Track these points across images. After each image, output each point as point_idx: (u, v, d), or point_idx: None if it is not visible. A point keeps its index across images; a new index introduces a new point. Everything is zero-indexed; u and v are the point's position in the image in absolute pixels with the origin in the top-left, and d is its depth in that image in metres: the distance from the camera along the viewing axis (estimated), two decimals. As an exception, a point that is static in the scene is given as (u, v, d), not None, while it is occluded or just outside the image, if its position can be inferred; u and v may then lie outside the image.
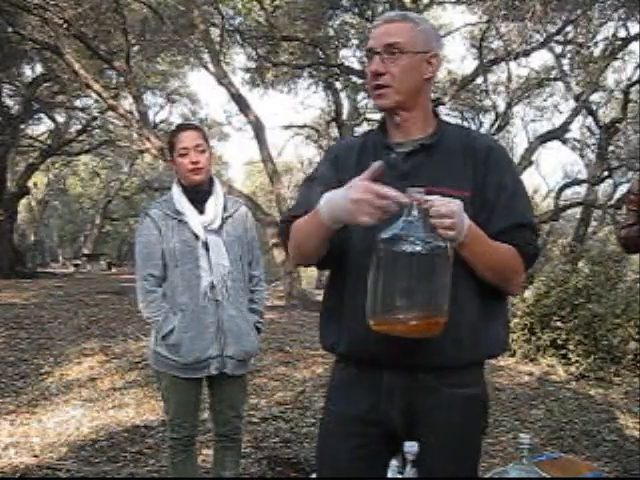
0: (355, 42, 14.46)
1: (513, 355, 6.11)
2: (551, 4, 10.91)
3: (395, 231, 1.27)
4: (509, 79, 15.05)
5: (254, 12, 13.19)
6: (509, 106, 16.24)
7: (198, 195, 2.54)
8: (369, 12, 13.26)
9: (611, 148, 15.04)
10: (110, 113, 14.30)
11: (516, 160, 13.07)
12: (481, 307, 1.47)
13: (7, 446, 3.64)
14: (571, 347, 5.82)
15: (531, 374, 5.65)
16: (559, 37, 13.29)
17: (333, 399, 1.60)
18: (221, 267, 2.49)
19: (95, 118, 17.76)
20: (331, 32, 14.26)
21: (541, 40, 12.90)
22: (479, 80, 14.77)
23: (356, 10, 13.60)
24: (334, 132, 19.02)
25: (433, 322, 1.29)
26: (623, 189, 15.94)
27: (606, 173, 15.30)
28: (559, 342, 5.96)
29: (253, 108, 11.60)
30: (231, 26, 13.55)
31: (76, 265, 24.62)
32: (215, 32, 12.56)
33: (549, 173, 70.90)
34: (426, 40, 1.48)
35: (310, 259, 1.57)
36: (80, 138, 19.42)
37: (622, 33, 13.04)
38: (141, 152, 16.82)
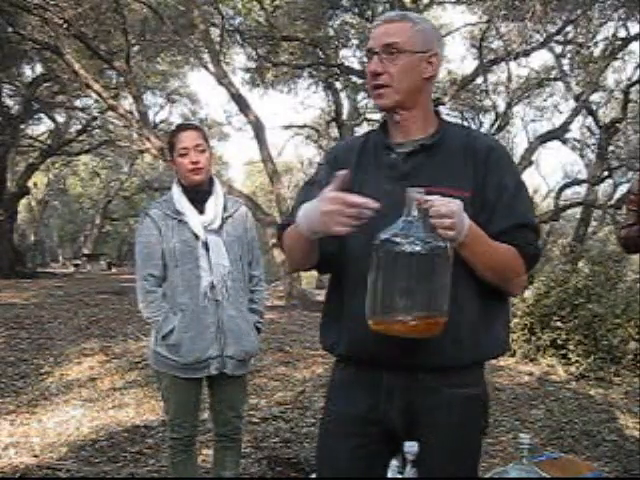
0: (355, 42, 14.47)
1: (513, 355, 6.11)
2: (551, 4, 10.91)
3: (395, 231, 1.27)
4: (509, 79, 15.06)
5: (254, 12, 13.19)
6: (509, 106, 16.24)
7: (198, 195, 2.54)
8: (369, 12, 13.26)
9: (611, 148, 15.04)
10: (110, 113, 14.31)
11: (516, 160, 13.06)
12: (482, 307, 1.47)
13: (7, 446, 3.64)
14: (571, 347, 5.82)
15: (531, 374, 5.65)
16: (559, 37, 13.30)
17: (333, 399, 1.61)
18: (221, 267, 2.49)
19: (95, 118, 17.77)
20: (331, 32, 14.26)
21: (541, 40, 12.90)
22: (479, 80, 14.78)
23: (356, 10, 13.61)
24: (334, 132, 19.02)
25: (433, 322, 1.29)
26: (623, 189, 15.95)
27: (606, 173, 15.31)
28: (559, 342, 5.95)
29: (253, 108, 11.62)
30: (231, 26, 13.55)
31: (76, 265, 24.63)
32: (215, 32, 12.56)
33: (549, 173, 70.91)
34: (425, 40, 1.48)
35: (301, 265, 1.59)
36: (80, 138, 19.42)
37: (622, 33, 13.07)
38: (141, 152, 16.83)
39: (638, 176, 2.54)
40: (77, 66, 11.41)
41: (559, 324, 5.99)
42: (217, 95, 55.72)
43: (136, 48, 13.73)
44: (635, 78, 14.27)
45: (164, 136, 11.70)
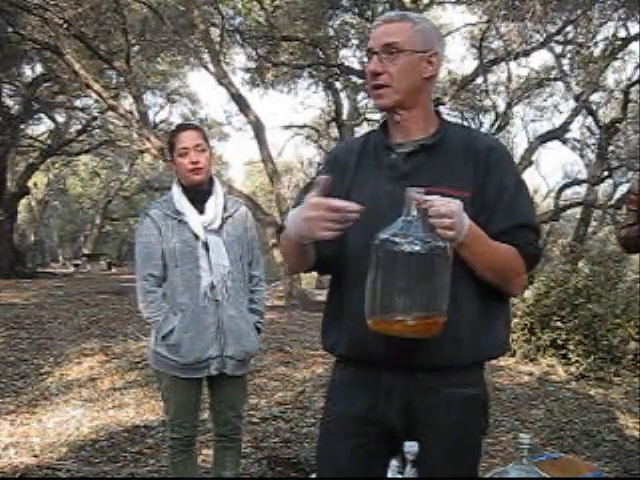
0: (355, 42, 14.47)
1: (513, 355, 6.11)
2: (551, 4, 10.92)
3: (394, 231, 1.27)
4: (509, 79, 15.06)
5: (254, 12, 13.20)
6: (509, 106, 16.24)
7: (198, 195, 2.53)
8: (369, 12, 13.27)
9: (611, 148, 15.04)
10: (110, 113, 14.32)
11: (516, 160, 13.06)
12: (482, 307, 1.47)
13: (7, 446, 3.64)
14: (571, 347, 5.82)
15: (531, 374, 5.65)
16: (559, 37, 13.31)
17: (333, 399, 1.61)
18: (221, 267, 2.49)
19: (95, 118, 17.78)
20: (331, 32, 14.26)
21: (541, 40, 12.91)
22: (479, 80, 14.79)
23: (356, 10, 13.61)
24: (334, 132, 19.03)
25: (432, 322, 1.29)
26: (623, 189, 15.96)
27: (606, 173, 15.31)
28: (559, 342, 5.95)
29: (253, 108, 11.63)
30: (231, 26, 13.56)
31: (76, 265, 24.64)
32: (215, 32, 12.57)
33: (549, 173, 70.94)
34: (425, 39, 1.48)
35: (297, 268, 1.62)
36: (80, 138, 19.43)
37: (622, 33, 13.08)
38: (141, 152, 16.83)
39: (638, 176, 2.54)
40: (77, 66, 11.41)
41: (559, 324, 5.99)
42: (217, 95, 55.77)
43: (136, 48, 13.74)
44: (635, 78, 14.28)
45: (164, 136, 11.70)
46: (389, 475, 1.36)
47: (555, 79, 15.53)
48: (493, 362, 5.45)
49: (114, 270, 23.35)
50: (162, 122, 20.69)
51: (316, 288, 14.59)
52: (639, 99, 14.55)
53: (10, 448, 3.60)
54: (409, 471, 1.30)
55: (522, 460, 1.45)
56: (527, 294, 6.43)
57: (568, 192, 18.52)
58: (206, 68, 12.32)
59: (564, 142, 16.09)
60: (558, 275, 6.72)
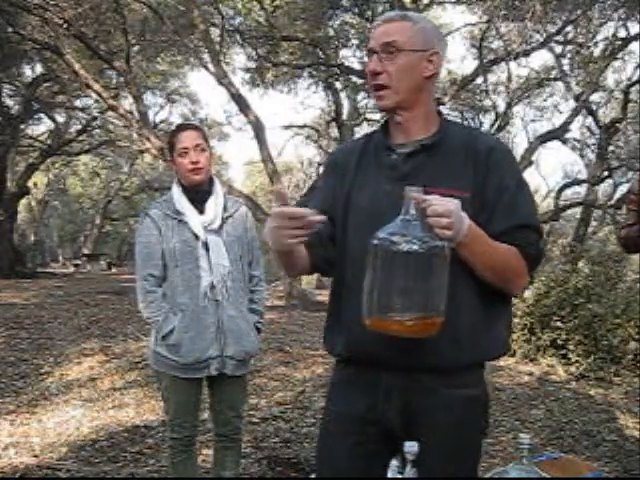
0: (355, 42, 14.46)
1: (513, 355, 6.11)
2: (551, 4, 10.92)
3: (392, 230, 1.26)
4: (509, 79, 15.05)
5: (254, 12, 13.19)
6: (509, 106, 16.23)
7: (198, 195, 2.53)
8: (369, 12, 13.26)
9: (611, 148, 15.04)
10: (110, 113, 14.32)
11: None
12: (482, 308, 1.46)
13: (7, 446, 3.64)
14: (571, 347, 5.82)
15: (531, 374, 5.65)
16: (559, 37, 13.30)
17: (333, 399, 1.61)
18: (221, 267, 2.49)
19: (95, 118, 17.78)
20: (331, 32, 14.25)
21: (541, 40, 12.90)
22: (479, 80, 14.78)
23: (356, 10, 13.60)
24: (334, 132, 19.02)
25: (430, 322, 1.28)
26: (623, 189, 15.96)
27: (606, 173, 15.31)
28: (559, 342, 5.96)
29: (253, 108, 11.61)
30: (231, 26, 13.55)
31: (76, 265, 24.65)
32: (215, 32, 12.56)
33: (549, 173, 70.94)
34: (425, 38, 1.47)
35: (293, 274, 1.65)
36: (80, 138, 19.44)
37: (622, 33, 13.07)
38: (141, 152, 16.83)
39: (638, 176, 2.54)
40: (77, 66, 11.40)
41: (559, 324, 5.99)
42: (217, 95, 55.75)
43: (136, 48, 13.73)
44: (635, 78, 14.28)
45: (164, 136, 11.70)
46: (389, 475, 1.36)
47: (555, 79, 15.52)
48: (493, 362, 5.44)
49: (114, 270, 23.35)
50: (162, 122, 20.69)
51: (316, 288, 14.58)
52: (639, 99, 14.55)
53: (10, 448, 3.60)
54: (409, 471, 1.30)
55: (522, 460, 1.45)
56: (527, 294, 6.43)
57: (568, 192, 18.54)
58: (206, 68, 12.31)
59: (564, 142, 16.08)
60: (558, 275, 6.72)
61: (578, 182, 17.79)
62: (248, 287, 2.63)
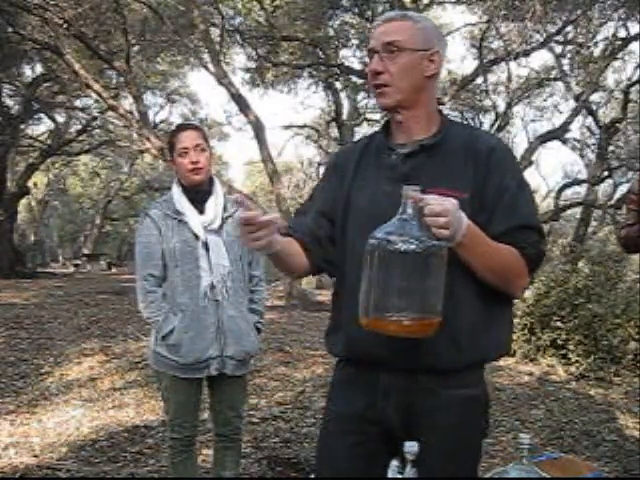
0: (355, 42, 14.47)
1: (513, 355, 6.10)
2: (551, 4, 10.92)
3: (389, 229, 1.26)
4: (509, 79, 15.05)
5: (254, 12, 13.19)
6: (509, 106, 16.24)
7: (198, 195, 2.53)
8: (369, 12, 13.26)
9: (611, 148, 15.04)
10: (110, 113, 14.32)
11: (516, 160, 13.00)
12: (481, 308, 1.45)
13: (7, 446, 3.64)
14: (571, 347, 5.82)
15: (531, 374, 5.65)
16: (559, 37, 13.31)
17: (333, 399, 1.61)
18: (221, 267, 2.48)
19: (95, 118, 17.78)
20: (331, 32, 14.26)
21: (541, 40, 12.91)
22: (479, 80, 14.79)
23: (356, 10, 13.60)
24: (334, 132, 19.03)
25: (427, 322, 1.28)
26: (623, 189, 15.96)
27: (606, 173, 15.31)
28: (559, 342, 5.95)
29: (253, 108, 11.61)
30: (231, 26, 13.55)
31: (76, 265, 24.66)
32: (215, 32, 12.56)
33: (549, 173, 70.99)
34: (426, 38, 1.47)
35: (291, 275, 1.64)
36: (80, 138, 19.44)
37: (622, 33, 13.08)
38: (141, 152, 16.84)
39: (638, 176, 2.54)
40: (77, 66, 11.41)
41: (559, 324, 5.99)
42: (217, 95, 55.78)
43: (136, 48, 13.73)
44: (635, 78, 14.28)
45: (164, 136, 11.70)
46: (389, 475, 1.36)
47: (555, 79, 15.52)
48: (493, 362, 5.45)
49: (114, 270, 23.36)
50: (162, 122, 20.70)
51: (316, 288, 14.56)
52: (639, 99, 14.55)
53: (10, 448, 3.60)
54: (409, 471, 1.30)
55: (522, 460, 1.45)
56: (527, 294, 6.43)
57: (568, 192, 18.55)
58: (206, 68, 12.31)
59: (564, 142, 16.09)
60: (558, 275, 6.72)
61: (578, 182, 17.80)
62: (248, 287, 2.63)
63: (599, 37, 13.21)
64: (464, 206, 1.33)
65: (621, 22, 12.61)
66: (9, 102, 17.02)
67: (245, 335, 2.54)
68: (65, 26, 11.02)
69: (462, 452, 1.49)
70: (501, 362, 5.77)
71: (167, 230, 2.49)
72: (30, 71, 16.55)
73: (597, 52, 13.42)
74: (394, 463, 1.34)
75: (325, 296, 12.41)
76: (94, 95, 12.84)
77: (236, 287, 2.53)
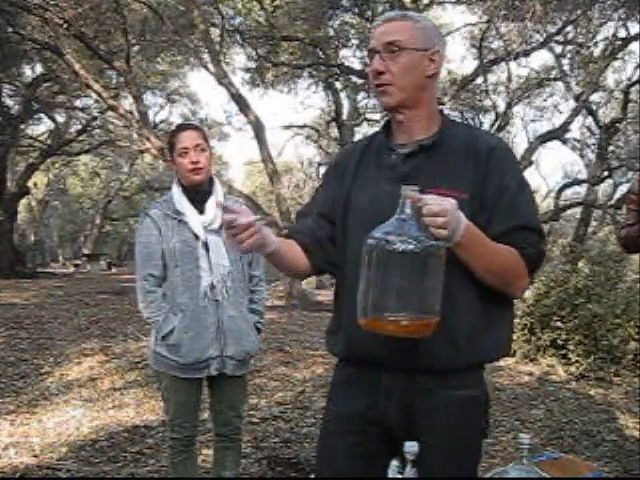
0: (355, 42, 14.46)
1: (513, 355, 6.10)
2: (551, 4, 10.92)
3: (387, 229, 1.26)
4: (509, 79, 15.06)
5: (254, 12, 13.19)
6: (509, 106, 16.24)
7: (198, 195, 2.53)
8: (369, 12, 13.26)
9: (611, 148, 15.04)
10: (110, 113, 14.31)
11: (516, 160, 13.00)
12: (481, 308, 1.45)
13: (7, 446, 3.64)
14: (571, 347, 5.82)
15: (531, 374, 5.65)
16: (559, 37, 13.31)
17: (334, 399, 1.61)
18: (221, 267, 2.48)
19: (95, 118, 17.78)
20: (331, 32, 14.26)
21: (541, 40, 12.91)
22: (479, 80, 14.79)
23: (356, 10, 13.60)
24: (334, 132, 19.03)
25: (425, 322, 1.28)
26: (623, 189, 15.96)
27: (606, 173, 15.31)
28: (559, 342, 5.95)
29: (253, 108, 11.62)
30: (231, 26, 13.55)
31: (76, 265, 24.68)
32: (215, 32, 12.56)
33: (549, 173, 71.04)
34: (427, 37, 1.47)
35: (290, 274, 1.69)
36: (80, 138, 19.44)
37: (622, 33, 13.08)
38: (141, 152, 16.83)
39: (638, 176, 2.54)
40: (77, 66, 11.41)
41: (559, 324, 5.99)
42: (217, 95, 55.77)
43: (136, 48, 13.73)
44: (635, 78, 14.29)
45: (164, 136, 11.70)
46: (389, 475, 1.36)
47: (555, 79, 15.53)
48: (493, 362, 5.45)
49: (114, 270, 23.37)
50: (162, 122, 20.70)
51: (316, 288, 14.56)
52: (639, 99, 14.55)
53: (10, 448, 3.60)
54: (409, 471, 1.30)
55: (522, 460, 1.45)
56: (527, 294, 6.42)
57: (568, 192, 18.55)
58: (206, 68, 12.31)
59: (564, 142, 16.09)
60: (558, 275, 6.72)
61: (578, 182, 17.80)
62: (248, 287, 2.63)
63: (599, 37, 13.24)
64: (463, 206, 1.33)
65: (621, 22, 12.63)
66: (9, 102, 17.03)
67: (245, 335, 2.54)
68: (65, 26, 11.02)
69: (462, 452, 1.49)
70: (501, 362, 5.77)
71: (167, 230, 2.49)
72: (30, 71, 16.59)
73: (597, 52, 13.44)
74: (394, 463, 1.34)
75: (325, 296, 12.41)
76: (94, 95, 12.84)
77: (236, 287, 2.53)
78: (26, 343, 6.55)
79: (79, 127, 19.31)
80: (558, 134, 14.62)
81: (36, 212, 28.93)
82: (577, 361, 5.72)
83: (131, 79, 12.01)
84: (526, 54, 12.90)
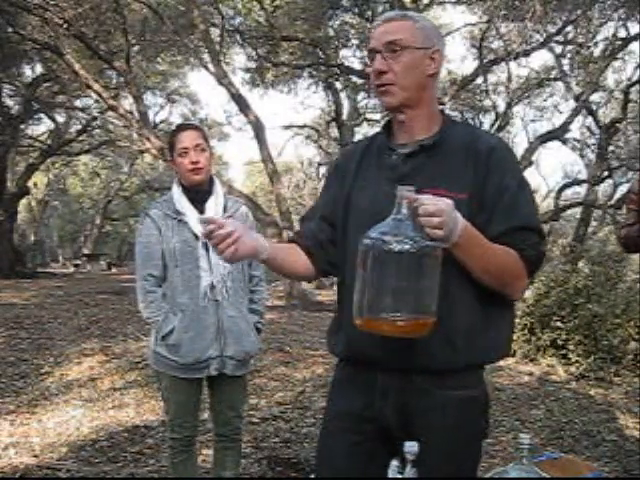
0: (355, 42, 14.47)
1: (513, 355, 6.10)
2: (551, 4, 10.93)
3: (384, 229, 1.26)
4: (509, 79, 15.06)
5: (254, 12, 13.20)
6: (509, 106, 16.24)
7: (198, 195, 2.53)
8: (369, 12, 13.27)
9: (611, 148, 15.04)
10: (110, 113, 14.31)
11: (516, 160, 13.01)
12: (479, 309, 1.44)
13: (7, 446, 3.64)
14: (571, 347, 5.82)
15: (531, 374, 5.65)
16: (559, 37, 13.31)
17: (333, 399, 1.61)
18: (221, 267, 2.48)
19: (95, 118, 17.78)
20: (331, 32, 14.26)
21: (541, 40, 12.92)
22: (479, 80, 14.79)
23: (356, 10, 13.61)
24: (334, 132, 19.04)
25: (421, 323, 1.27)
26: (623, 189, 15.97)
27: (606, 173, 15.32)
28: (559, 342, 5.95)
29: (253, 108, 11.61)
30: (231, 26, 13.56)
31: (76, 265, 24.67)
32: (215, 32, 12.56)
33: (549, 173, 71.06)
34: (427, 37, 1.47)
35: (292, 277, 1.68)
36: (80, 138, 19.44)
37: (622, 33, 13.09)
38: (141, 152, 16.83)
39: (638, 176, 2.54)
40: (77, 66, 11.41)
41: (559, 324, 5.99)
42: (217, 95, 55.76)
43: (136, 48, 13.73)
44: (635, 78, 14.29)
45: (164, 136, 11.71)
46: (389, 475, 1.36)
47: (555, 79, 15.53)
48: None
49: (114, 270, 23.35)
50: (162, 122, 20.71)
51: (316, 288, 14.55)
52: (639, 99, 14.55)
53: (10, 448, 3.60)
54: (409, 471, 1.30)
55: (522, 460, 1.44)
56: (527, 294, 6.43)
57: (568, 192, 18.57)
58: (206, 68, 12.31)
59: (564, 142, 16.09)
60: (558, 275, 6.72)
61: (578, 182, 17.81)
62: (248, 287, 2.63)
63: (599, 37, 13.25)
64: (461, 206, 1.32)
65: (621, 22, 12.63)
66: (9, 102, 17.02)
67: (245, 335, 2.54)
68: (65, 26, 11.02)
69: (461, 452, 1.49)
70: (501, 362, 5.76)
71: (167, 230, 2.49)
72: (30, 71, 16.59)
73: (597, 52, 13.44)
74: (394, 463, 1.34)
75: (325, 296, 12.42)
76: (94, 95, 12.83)
77: (236, 287, 2.53)
78: (26, 343, 6.55)
79: (79, 127, 19.31)
80: (558, 134, 14.63)
81: (36, 212, 28.92)
82: (577, 361, 5.72)
83: (131, 79, 12.01)
84: (526, 54, 12.91)
